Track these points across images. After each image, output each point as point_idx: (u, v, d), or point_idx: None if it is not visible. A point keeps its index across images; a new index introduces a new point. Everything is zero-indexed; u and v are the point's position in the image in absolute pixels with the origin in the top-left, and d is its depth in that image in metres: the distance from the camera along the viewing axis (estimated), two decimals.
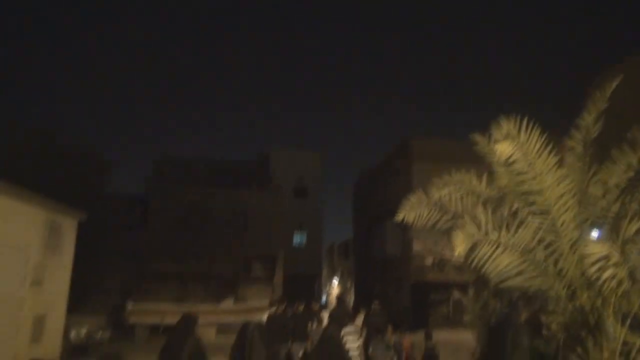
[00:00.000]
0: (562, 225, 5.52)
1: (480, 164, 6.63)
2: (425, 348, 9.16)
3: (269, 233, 25.29)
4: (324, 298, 39.59)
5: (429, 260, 22.44)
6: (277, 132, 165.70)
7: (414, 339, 9.31)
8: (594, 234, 5.92)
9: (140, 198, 26.00)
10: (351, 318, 10.59)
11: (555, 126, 6.27)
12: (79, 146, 22.78)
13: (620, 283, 4.97)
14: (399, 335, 9.40)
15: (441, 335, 13.14)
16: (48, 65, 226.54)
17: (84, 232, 14.60)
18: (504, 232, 5.45)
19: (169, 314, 19.16)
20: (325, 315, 10.29)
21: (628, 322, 5.23)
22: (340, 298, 12.64)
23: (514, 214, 5.95)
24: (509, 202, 6.05)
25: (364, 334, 9.40)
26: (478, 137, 6.31)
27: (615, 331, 5.19)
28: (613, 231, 5.27)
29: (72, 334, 13.59)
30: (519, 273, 5.55)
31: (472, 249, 5.37)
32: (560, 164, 5.90)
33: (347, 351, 5.44)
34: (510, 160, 5.59)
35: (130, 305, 19.77)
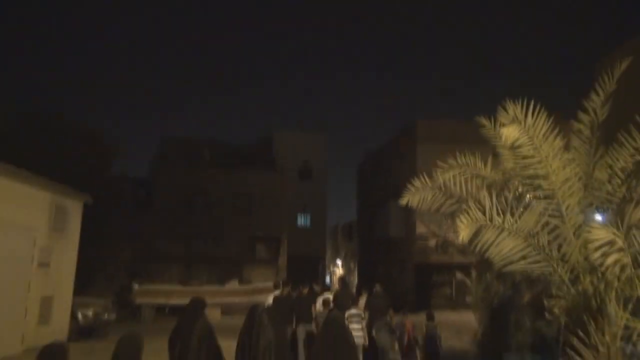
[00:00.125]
0: (567, 209, 5.49)
1: (486, 144, 6.58)
2: (427, 329, 9.22)
3: (273, 215, 25.37)
4: (327, 279, 39.92)
5: (432, 242, 22.52)
6: (282, 114, 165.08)
7: (416, 320, 9.37)
8: (598, 217, 5.88)
9: (145, 180, 26.09)
10: (354, 301, 10.65)
11: (561, 108, 6.20)
12: (85, 128, 22.77)
13: (623, 268, 4.96)
14: (401, 317, 9.45)
15: (444, 316, 13.28)
16: (52, 46, 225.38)
17: (89, 214, 14.69)
18: (508, 216, 5.42)
19: (174, 294, 19.41)
20: (321, 299, 10.36)
21: (630, 306, 5.24)
22: (344, 281, 12.69)
23: (519, 198, 5.92)
24: (513, 186, 6.02)
25: (366, 317, 9.47)
26: (484, 121, 6.23)
27: (617, 315, 5.21)
28: (618, 216, 5.23)
29: (80, 315, 13.77)
30: (523, 257, 5.54)
31: (476, 233, 5.36)
32: (566, 147, 5.84)
33: (352, 333, 5.48)
34: (516, 144, 5.54)
35: (136, 286, 20.01)
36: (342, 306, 9.27)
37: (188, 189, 24.99)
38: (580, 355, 5.32)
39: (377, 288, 11.13)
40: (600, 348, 5.20)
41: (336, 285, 35.54)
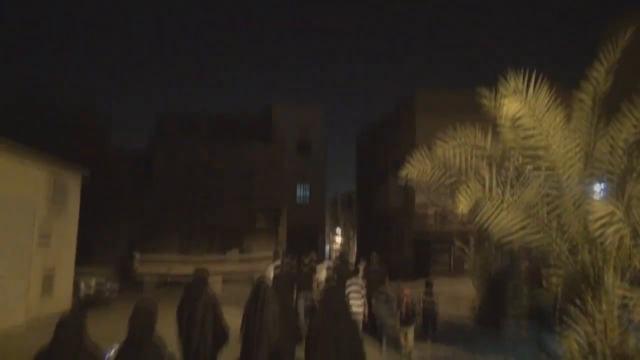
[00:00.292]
0: (567, 179, 5.45)
1: (487, 116, 6.47)
2: (424, 299, 9.32)
3: (273, 186, 25.42)
4: (327, 248, 40.35)
5: (431, 212, 22.62)
6: (280, 86, 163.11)
7: (414, 290, 9.47)
8: (598, 188, 5.85)
9: (143, 153, 25.99)
10: (352, 274, 10.56)
11: (563, 78, 6.08)
12: (82, 103, 22.59)
13: (622, 239, 4.97)
14: (398, 286, 9.54)
15: (442, 286, 13.43)
16: (49, 22, 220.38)
17: (89, 187, 14.70)
18: (508, 189, 5.40)
19: (175, 264, 19.66)
20: (324, 267, 10.41)
21: (628, 276, 5.29)
22: (342, 257, 12.69)
23: (519, 170, 5.87)
24: (513, 159, 5.96)
25: (364, 291, 9.38)
26: (484, 92, 6.12)
27: (614, 285, 5.26)
28: (618, 188, 5.21)
29: (82, 286, 13.93)
30: (522, 228, 5.54)
31: (476, 205, 5.35)
32: (567, 118, 5.76)
33: (351, 308, 5.56)
34: (517, 116, 5.46)
35: (137, 255, 20.22)
36: (341, 280, 9.32)
37: (187, 162, 24.92)
38: (576, 322, 5.41)
39: (374, 258, 11.12)
40: (597, 316, 5.27)
41: (337, 252, 35.78)
